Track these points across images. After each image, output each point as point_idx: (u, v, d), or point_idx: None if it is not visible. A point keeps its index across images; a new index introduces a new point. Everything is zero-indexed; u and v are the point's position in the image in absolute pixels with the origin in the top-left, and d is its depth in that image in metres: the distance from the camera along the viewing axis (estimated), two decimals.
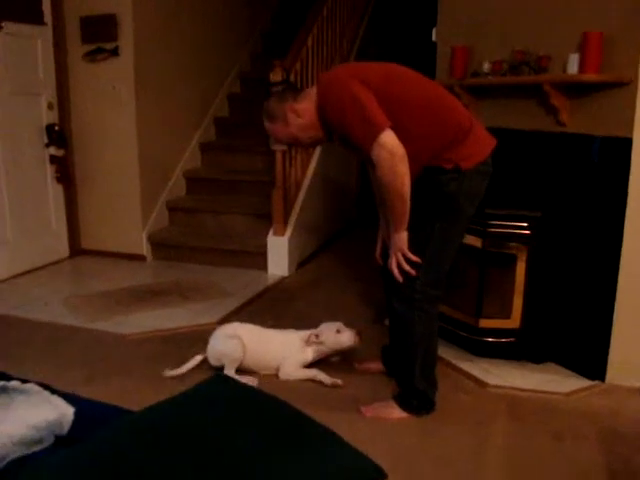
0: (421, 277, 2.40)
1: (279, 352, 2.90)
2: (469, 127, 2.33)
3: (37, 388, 1.97)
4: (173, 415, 1.69)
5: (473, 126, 2.36)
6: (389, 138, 2.19)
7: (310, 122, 2.39)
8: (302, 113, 2.38)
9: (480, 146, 2.37)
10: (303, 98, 2.40)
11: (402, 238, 2.35)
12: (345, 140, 2.36)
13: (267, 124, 2.47)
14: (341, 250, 5.35)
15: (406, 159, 2.20)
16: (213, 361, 2.86)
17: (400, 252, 2.37)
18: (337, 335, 2.86)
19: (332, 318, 2.98)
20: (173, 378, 2.83)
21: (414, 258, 2.35)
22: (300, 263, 4.81)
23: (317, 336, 2.88)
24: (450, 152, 2.31)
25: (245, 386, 2.00)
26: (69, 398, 1.91)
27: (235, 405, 1.73)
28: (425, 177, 2.35)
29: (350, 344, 2.87)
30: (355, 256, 5.08)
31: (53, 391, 1.95)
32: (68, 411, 1.84)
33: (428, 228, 2.37)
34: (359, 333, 2.86)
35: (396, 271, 2.39)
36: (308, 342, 2.88)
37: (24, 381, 2.01)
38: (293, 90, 2.51)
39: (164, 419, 1.68)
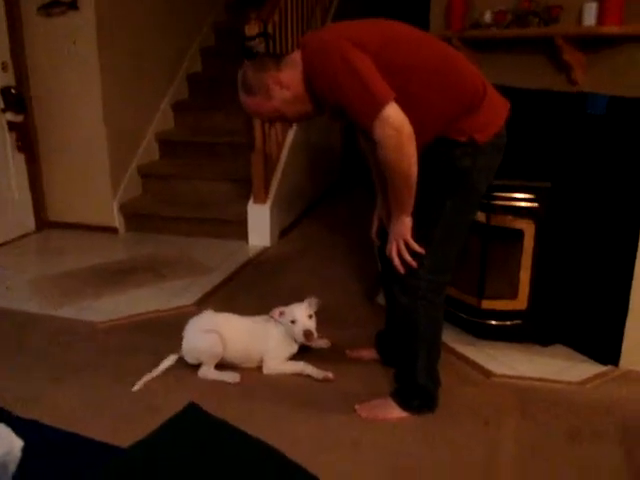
0: (427, 262, 2.11)
1: (261, 344, 2.62)
2: (483, 91, 2.02)
3: None
4: (146, 463, 1.47)
5: (487, 89, 2.04)
6: (394, 112, 1.86)
7: (297, 94, 2.04)
8: (287, 84, 2.02)
9: (495, 113, 2.06)
10: (287, 65, 2.04)
11: (405, 223, 2.05)
12: (339, 114, 2.02)
13: (244, 98, 2.10)
14: (326, 216, 5.05)
15: (413, 137, 1.88)
16: (190, 359, 2.58)
17: (402, 239, 2.07)
18: (291, 325, 2.56)
19: (319, 294, 2.70)
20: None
21: (417, 248, 2.06)
22: (283, 231, 4.52)
23: (281, 314, 2.60)
24: (463, 122, 1.99)
25: (217, 422, 1.77)
26: (17, 424, 1.65)
27: (207, 448, 1.51)
28: (434, 150, 2.03)
29: (299, 340, 2.58)
30: (341, 222, 4.81)
31: (0, 416, 1.68)
32: (15, 446, 1.56)
33: (437, 207, 2.07)
34: (309, 334, 2.52)
35: (397, 260, 2.10)
36: (271, 317, 2.62)
37: None
38: (274, 56, 2.13)
39: (137, 469, 1.46)
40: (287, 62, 2.05)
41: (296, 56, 2.04)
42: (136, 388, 2.49)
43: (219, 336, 2.54)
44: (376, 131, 1.88)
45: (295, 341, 2.60)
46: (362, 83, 1.86)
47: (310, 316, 2.56)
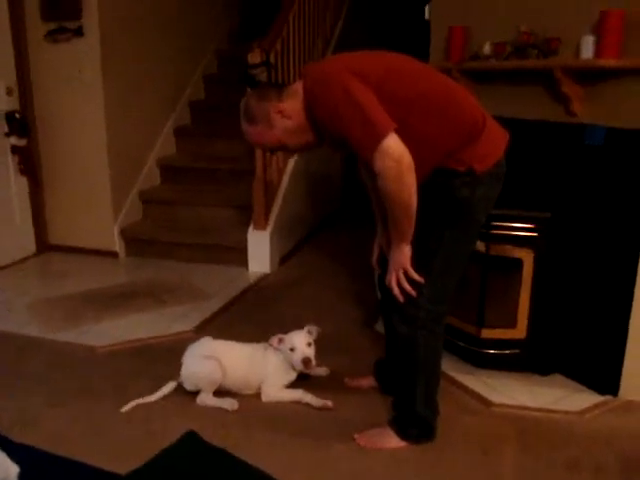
0: (426, 292, 2.11)
1: (260, 371, 2.61)
2: (483, 123, 2.04)
3: None
4: None
5: (486, 120, 2.06)
6: (394, 143, 1.87)
7: (298, 124, 2.06)
8: (289, 113, 2.05)
9: (494, 144, 2.07)
10: (288, 95, 2.07)
11: (405, 253, 2.06)
12: (340, 144, 2.04)
13: (246, 127, 2.13)
14: (326, 244, 5.06)
15: (413, 167, 1.89)
16: (189, 386, 2.57)
17: (401, 269, 2.08)
18: (290, 352, 2.55)
19: (317, 321, 2.70)
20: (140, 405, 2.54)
21: (417, 277, 2.06)
22: (283, 258, 4.52)
23: (280, 341, 2.59)
24: (463, 152, 2.01)
25: (215, 450, 1.76)
26: (15, 450, 1.64)
27: (205, 477, 1.49)
28: (433, 180, 2.05)
29: (298, 369, 2.57)
30: (341, 250, 4.82)
31: None
32: (11, 472, 1.55)
33: (436, 237, 2.08)
34: (307, 361, 2.52)
35: (396, 290, 2.10)
36: (270, 345, 2.61)
37: None
38: (276, 86, 2.16)
39: None
40: (289, 92, 2.07)
41: (298, 86, 2.06)
42: (125, 409, 2.49)
43: (218, 363, 2.54)
44: (376, 162, 1.89)
45: (294, 369, 2.59)
46: (362, 114, 1.87)
47: (309, 344, 2.56)
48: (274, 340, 2.61)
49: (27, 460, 1.63)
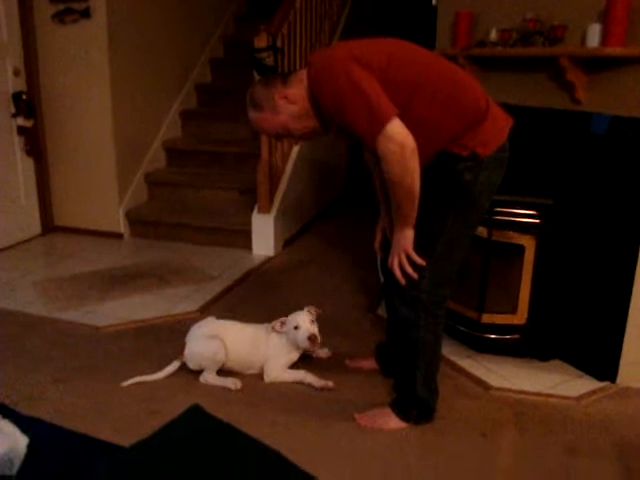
0: (428, 275, 2.13)
1: (263, 351, 2.65)
2: (486, 107, 2.05)
3: None
4: (150, 462, 1.49)
5: (490, 105, 2.07)
6: (398, 128, 1.89)
7: (303, 109, 2.09)
8: (293, 99, 2.08)
9: (498, 128, 2.08)
10: (293, 82, 2.09)
11: (407, 237, 2.08)
12: (344, 132, 2.06)
13: (252, 114, 2.16)
14: (330, 227, 5.08)
15: (417, 152, 1.91)
16: (192, 365, 2.60)
17: (404, 253, 2.10)
18: (294, 331, 2.58)
19: (320, 304, 2.74)
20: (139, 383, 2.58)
21: (419, 261, 2.09)
22: (286, 241, 4.55)
23: (282, 324, 2.63)
24: (466, 137, 2.02)
25: (220, 423, 1.80)
26: (23, 422, 1.67)
27: (210, 448, 1.53)
28: (437, 164, 2.06)
29: (303, 346, 2.58)
30: (345, 234, 4.84)
31: (5, 413, 1.70)
32: (20, 443, 1.59)
33: (439, 220, 2.10)
34: (314, 338, 2.54)
35: (398, 272, 2.12)
36: (273, 328, 2.64)
37: None
38: (282, 75, 2.18)
39: (139, 468, 1.48)
40: (294, 78, 2.10)
41: (302, 74, 2.09)
42: (126, 384, 2.54)
43: (221, 342, 2.57)
44: (379, 147, 1.92)
45: (297, 348, 2.63)
46: (366, 101, 1.89)
47: (312, 321, 2.59)
48: (276, 324, 2.63)
49: (34, 432, 1.67)
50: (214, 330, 2.64)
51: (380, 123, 1.89)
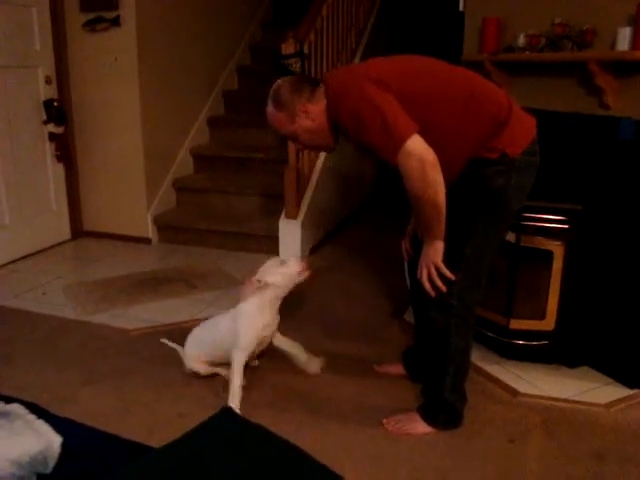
0: (459, 280, 2.12)
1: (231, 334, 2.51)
2: (509, 107, 2.05)
3: (21, 410, 1.76)
4: (182, 462, 1.51)
5: (512, 106, 2.07)
6: (417, 144, 1.90)
7: (319, 127, 2.13)
8: (314, 116, 2.11)
9: (525, 127, 2.08)
10: (317, 98, 2.11)
11: (437, 249, 2.07)
12: (366, 150, 2.07)
13: (270, 108, 2.18)
14: (357, 233, 5.09)
15: (438, 165, 1.91)
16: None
17: (433, 265, 2.09)
18: (282, 268, 2.48)
19: (347, 310, 2.74)
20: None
21: (449, 274, 2.08)
22: (313, 247, 4.56)
23: (260, 280, 2.47)
24: (494, 140, 2.02)
25: (252, 425, 1.81)
26: (56, 422, 1.71)
27: (241, 449, 1.55)
28: (467, 170, 2.06)
29: (298, 270, 2.47)
30: (372, 240, 4.84)
31: (39, 413, 1.74)
32: (54, 442, 1.62)
33: (470, 224, 2.09)
34: (303, 259, 2.50)
35: (427, 285, 2.12)
36: (253, 289, 2.47)
37: (8, 400, 1.80)
38: (312, 84, 2.18)
39: (173, 469, 1.51)
40: (319, 95, 2.11)
41: (321, 92, 2.11)
42: (164, 340, 2.75)
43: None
44: (400, 164, 1.93)
45: (290, 283, 2.50)
46: (383, 120, 1.90)
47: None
48: (252, 283, 2.48)
49: (67, 432, 1.71)
50: (193, 337, 2.70)
51: (399, 141, 1.90)
